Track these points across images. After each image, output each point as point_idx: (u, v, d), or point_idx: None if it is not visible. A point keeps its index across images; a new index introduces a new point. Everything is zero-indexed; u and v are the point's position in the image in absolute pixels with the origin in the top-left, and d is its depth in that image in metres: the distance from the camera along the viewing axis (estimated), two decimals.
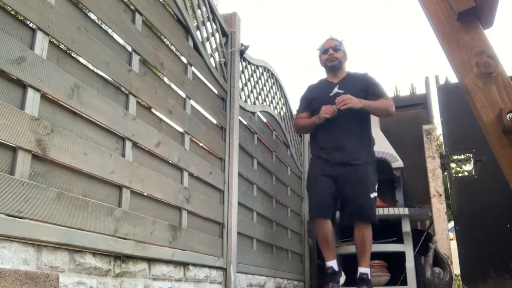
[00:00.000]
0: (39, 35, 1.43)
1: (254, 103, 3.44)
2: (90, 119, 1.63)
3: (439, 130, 5.58)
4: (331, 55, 3.41)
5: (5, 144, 1.28)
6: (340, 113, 3.21)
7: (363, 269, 3.18)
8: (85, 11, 1.68)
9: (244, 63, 3.27)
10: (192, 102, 2.45)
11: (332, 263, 3.20)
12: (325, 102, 3.30)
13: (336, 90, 3.37)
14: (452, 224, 5.25)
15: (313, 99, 3.47)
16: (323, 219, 3.22)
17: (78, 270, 1.50)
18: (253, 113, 3.39)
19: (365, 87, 3.32)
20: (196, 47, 2.56)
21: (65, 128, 1.50)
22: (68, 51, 1.57)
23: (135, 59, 1.95)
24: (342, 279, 3.16)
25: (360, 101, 3.19)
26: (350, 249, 3.84)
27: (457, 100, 4.78)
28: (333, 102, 3.24)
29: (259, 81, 3.62)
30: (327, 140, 3.31)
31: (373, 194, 3.22)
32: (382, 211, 4.19)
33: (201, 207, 2.41)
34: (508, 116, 1.35)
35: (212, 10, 2.80)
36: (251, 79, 3.43)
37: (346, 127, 3.27)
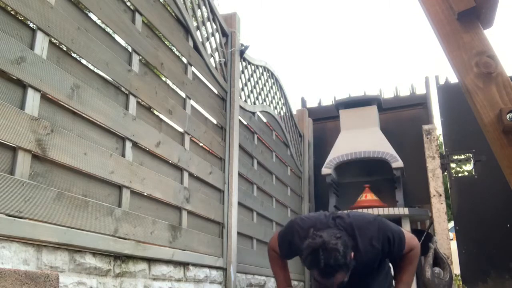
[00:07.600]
0: (39, 35, 1.43)
1: (254, 103, 3.44)
2: (90, 119, 1.63)
3: (439, 130, 5.58)
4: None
5: (5, 144, 1.28)
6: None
7: None
8: (85, 11, 1.68)
9: (244, 63, 3.27)
10: (192, 102, 2.45)
11: None
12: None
13: None
14: (452, 224, 5.25)
15: None
16: None
17: (78, 270, 1.50)
18: (253, 113, 3.38)
19: (382, 257, 2.43)
20: (196, 47, 2.56)
21: (65, 128, 1.50)
22: (68, 51, 1.57)
23: (135, 59, 1.95)
24: None
25: None
26: None
27: (457, 100, 4.77)
28: None
29: (259, 81, 3.62)
30: None
31: None
32: (382, 211, 4.19)
33: (201, 207, 2.41)
34: (508, 116, 1.35)
35: (212, 10, 2.80)
36: (251, 79, 3.43)
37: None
